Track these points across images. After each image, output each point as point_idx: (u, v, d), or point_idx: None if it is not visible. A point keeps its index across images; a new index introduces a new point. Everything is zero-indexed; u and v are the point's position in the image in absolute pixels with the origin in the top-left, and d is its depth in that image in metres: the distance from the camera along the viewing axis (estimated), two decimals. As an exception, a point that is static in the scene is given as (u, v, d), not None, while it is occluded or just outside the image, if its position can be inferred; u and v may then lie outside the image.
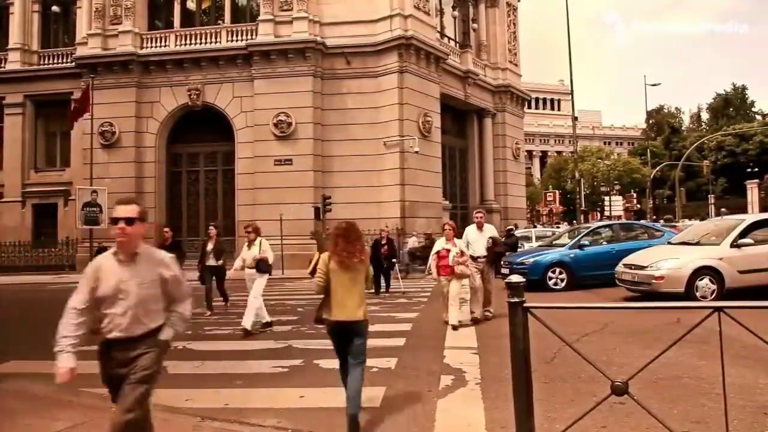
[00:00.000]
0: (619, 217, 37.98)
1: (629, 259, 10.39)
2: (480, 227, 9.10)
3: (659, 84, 55.18)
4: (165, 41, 23.41)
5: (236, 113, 22.59)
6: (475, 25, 29.01)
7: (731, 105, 64.19)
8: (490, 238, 9.09)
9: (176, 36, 23.41)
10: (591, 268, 11.99)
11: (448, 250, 8.25)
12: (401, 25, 21.66)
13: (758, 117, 60.84)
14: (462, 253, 8.24)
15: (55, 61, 26.24)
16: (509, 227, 20.58)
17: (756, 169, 47.17)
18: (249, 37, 22.46)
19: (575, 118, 31.30)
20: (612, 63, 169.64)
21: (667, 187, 52.06)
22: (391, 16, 21.84)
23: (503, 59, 29.88)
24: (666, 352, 2.39)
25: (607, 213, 40.67)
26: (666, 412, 3.92)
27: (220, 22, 24.37)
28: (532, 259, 12.73)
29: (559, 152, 71.64)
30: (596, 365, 2.48)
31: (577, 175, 30.89)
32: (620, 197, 43.35)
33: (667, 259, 9.62)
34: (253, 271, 8.46)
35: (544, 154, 74.35)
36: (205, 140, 23.81)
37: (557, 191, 52.48)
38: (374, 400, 4.63)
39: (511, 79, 30.18)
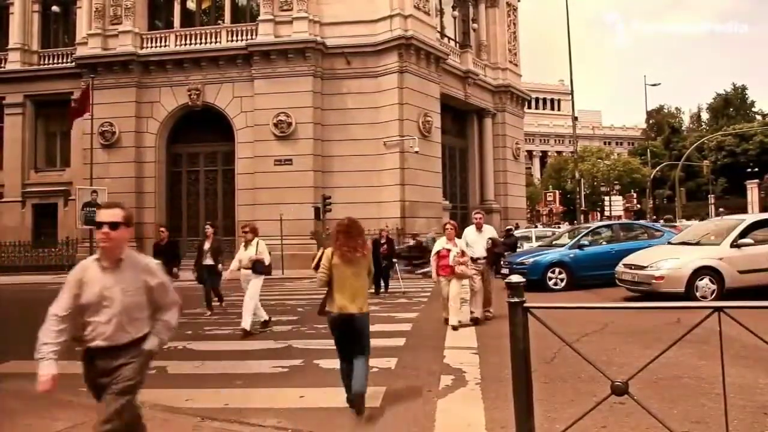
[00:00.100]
0: (619, 217, 37.92)
1: (629, 259, 10.39)
2: (479, 228, 9.05)
3: (659, 84, 55.24)
4: (165, 41, 23.40)
5: (236, 113, 22.57)
6: (475, 25, 28.99)
7: (731, 105, 64.18)
8: (490, 239, 9.04)
9: (176, 36, 23.40)
10: (591, 268, 11.98)
11: (449, 250, 8.24)
12: (401, 25, 21.65)
13: (758, 117, 60.83)
14: (463, 254, 8.22)
15: (55, 61, 26.22)
16: (508, 227, 20.58)
17: (756, 169, 47.14)
18: (249, 37, 22.44)
19: (575, 118, 31.29)
20: (612, 63, 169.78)
21: (667, 187, 52.04)
22: (391, 16, 21.82)
23: (503, 59, 29.86)
24: (666, 352, 2.39)
25: (607, 213, 40.65)
26: (666, 412, 3.92)
27: (220, 22, 24.36)
28: (531, 259, 12.73)
29: (559, 152, 71.68)
30: (596, 365, 2.48)
31: (577, 175, 30.85)
32: (620, 197, 43.33)
33: (667, 259, 9.63)
34: (249, 272, 8.32)
35: (544, 154, 74.39)
36: (205, 140, 23.79)
37: (557, 191, 52.50)
38: (374, 399, 4.63)
39: (511, 79, 30.16)
